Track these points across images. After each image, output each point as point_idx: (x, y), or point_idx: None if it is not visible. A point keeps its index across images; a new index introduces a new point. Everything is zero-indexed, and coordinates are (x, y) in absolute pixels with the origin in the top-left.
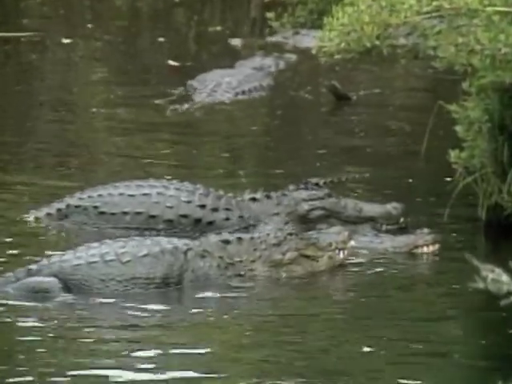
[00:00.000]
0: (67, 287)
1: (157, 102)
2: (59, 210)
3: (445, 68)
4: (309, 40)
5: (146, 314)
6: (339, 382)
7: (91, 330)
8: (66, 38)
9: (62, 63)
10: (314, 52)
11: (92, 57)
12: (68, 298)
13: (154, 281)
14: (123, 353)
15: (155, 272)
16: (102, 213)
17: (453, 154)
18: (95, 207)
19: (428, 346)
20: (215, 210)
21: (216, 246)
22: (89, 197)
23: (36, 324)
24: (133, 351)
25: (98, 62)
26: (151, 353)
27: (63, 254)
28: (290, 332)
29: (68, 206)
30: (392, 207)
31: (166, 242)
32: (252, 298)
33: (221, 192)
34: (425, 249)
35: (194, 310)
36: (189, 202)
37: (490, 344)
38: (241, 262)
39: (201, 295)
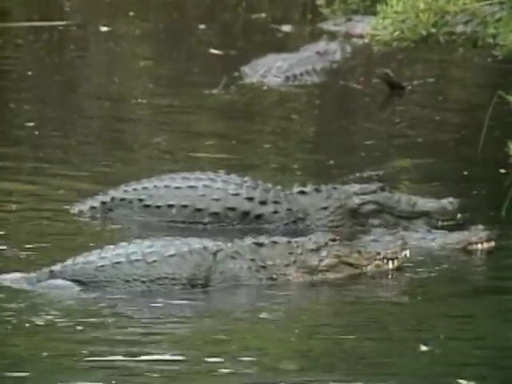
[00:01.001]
0: (90, 289)
1: (206, 91)
2: (103, 203)
3: (505, 56)
4: (362, 26)
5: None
6: (394, 382)
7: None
8: (104, 25)
9: (101, 52)
10: (366, 41)
11: (131, 45)
12: (88, 300)
13: (181, 281)
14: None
15: (181, 272)
16: (147, 206)
17: (511, 146)
18: (140, 200)
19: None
20: (263, 202)
21: (248, 248)
22: (134, 189)
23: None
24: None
25: (137, 51)
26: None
27: (88, 255)
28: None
29: (113, 199)
30: (448, 202)
31: (196, 243)
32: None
33: (269, 185)
34: (479, 246)
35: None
36: (236, 194)
37: None
38: (274, 265)
39: (230, 297)
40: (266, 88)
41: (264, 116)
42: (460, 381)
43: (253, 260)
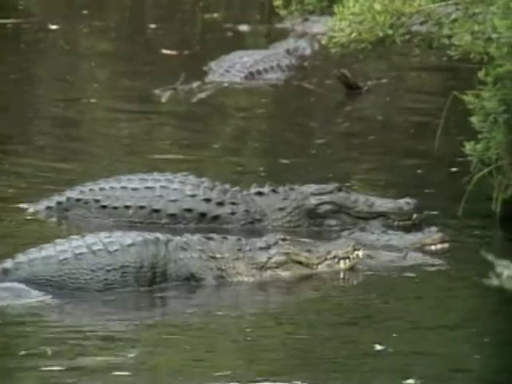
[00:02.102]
0: (49, 286)
1: (156, 91)
2: (59, 203)
3: (459, 57)
4: (319, 26)
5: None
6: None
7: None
8: (54, 24)
9: (52, 51)
10: (323, 42)
11: (81, 44)
12: (48, 297)
13: (142, 270)
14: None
15: (142, 261)
16: (104, 206)
17: (468, 146)
18: (96, 201)
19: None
20: (221, 204)
21: (198, 241)
22: (90, 190)
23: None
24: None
25: (87, 50)
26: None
27: (41, 251)
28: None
29: (68, 199)
30: (404, 202)
31: (146, 234)
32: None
33: (227, 186)
34: (433, 247)
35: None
36: (193, 195)
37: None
38: (223, 258)
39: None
40: (226, 84)
41: (221, 114)
42: (408, 381)
43: (202, 251)
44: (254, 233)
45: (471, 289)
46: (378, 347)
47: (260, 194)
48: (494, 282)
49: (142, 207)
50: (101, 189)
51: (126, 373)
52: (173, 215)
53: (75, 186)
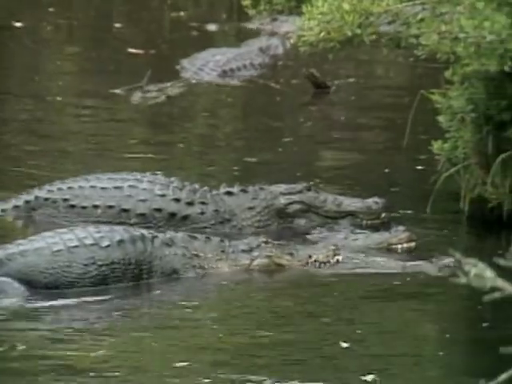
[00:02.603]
0: (38, 282)
1: (120, 90)
2: (27, 202)
3: (426, 56)
4: (288, 26)
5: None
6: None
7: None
8: (18, 21)
9: (16, 49)
10: (292, 41)
11: (45, 42)
12: (40, 292)
13: (130, 266)
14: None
15: (130, 258)
16: (72, 206)
17: (436, 145)
18: (65, 200)
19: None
20: (190, 203)
21: (181, 238)
22: (58, 189)
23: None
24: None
25: (53, 49)
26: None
27: (31, 242)
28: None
29: (37, 198)
30: (373, 201)
31: (133, 230)
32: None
33: (196, 185)
34: (399, 246)
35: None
36: (163, 195)
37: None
38: (206, 258)
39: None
40: (198, 83)
41: (191, 113)
42: (365, 377)
43: (186, 248)
44: (223, 233)
45: (440, 287)
46: (344, 344)
47: (229, 193)
48: (462, 280)
49: (110, 207)
50: (69, 188)
51: (117, 373)
52: (142, 215)
53: (43, 184)
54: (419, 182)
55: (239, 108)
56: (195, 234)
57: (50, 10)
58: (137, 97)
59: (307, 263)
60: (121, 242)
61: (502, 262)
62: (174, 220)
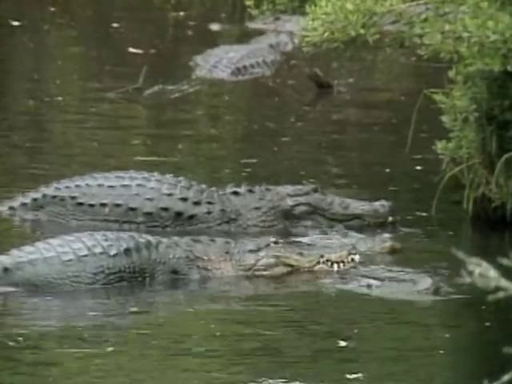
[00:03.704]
0: (50, 287)
1: (114, 93)
2: (35, 199)
3: (429, 56)
4: (290, 25)
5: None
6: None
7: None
8: (16, 20)
9: (17, 48)
10: (296, 41)
11: (43, 42)
12: (50, 298)
13: (134, 274)
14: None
15: (135, 266)
16: (80, 204)
17: (439, 145)
18: (73, 198)
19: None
20: (197, 203)
21: (185, 242)
22: (66, 187)
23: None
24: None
25: (52, 48)
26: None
27: (40, 250)
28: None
29: (44, 196)
30: (380, 205)
31: (139, 237)
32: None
33: (203, 185)
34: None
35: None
36: (170, 194)
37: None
38: (209, 260)
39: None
40: (213, 80)
41: (204, 111)
42: (353, 376)
43: (190, 251)
44: (229, 232)
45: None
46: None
47: (236, 193)
48: (466, 279)
49: (118, 205)
50: (77, 186)
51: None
52: (149, 214)
53: (50, 182)
54: (422, 181)
55: (246, 107)
56: (199, 237)
57: (52, 9)
58: (149, 93)
59: (318, 263)
60: (127, 250)
61: (505, 261)
62: (180, 219)
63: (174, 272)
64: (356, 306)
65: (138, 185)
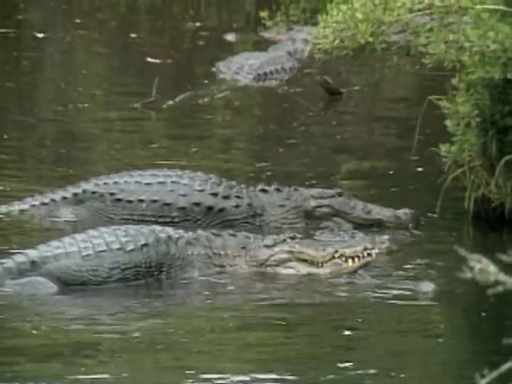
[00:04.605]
0: (71, 280)
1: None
2: (75, 194)
3: (433, 65)
4: (303, 35)
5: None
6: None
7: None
8: (40, 32)
9: (43, 58)
10: (308, 49)
11: (68, 53)
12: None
13: (151, 269)
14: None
15: (151, 261)
16: (119, 200)
17: (443, 148)
18: (111, 194)
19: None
20: (226, 197)
21: (206, 237)
22: (105, 183)
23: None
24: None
25: (76, 58)
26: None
27: (64, 246)
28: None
29: (84, 191)
30: (403, 212)
31: (159, 231)
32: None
33: (233, 182)
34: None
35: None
36: (202, 190)
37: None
38: (226, 255)
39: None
40: (236, 85)
41: (227, 115)
42: (343, 365)
43: (209, 247)
44: (254, 226)
45: (445, 278)
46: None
47: (264, 191)
48: (467, 274)
49: (154, 201)
50: (115, 183)
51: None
52: (183, 208)
53: (89, 179)
54: (427, 182)
55: (260, 112)
56: (221, 232)
57: (77, 21)
58: (181, 99)
59: (333, 258)
60: (144, 245)
61: (504, 257)
62: (211, 213)
63: (192, 268)
64: (356, 308)
65: (173, 182)
